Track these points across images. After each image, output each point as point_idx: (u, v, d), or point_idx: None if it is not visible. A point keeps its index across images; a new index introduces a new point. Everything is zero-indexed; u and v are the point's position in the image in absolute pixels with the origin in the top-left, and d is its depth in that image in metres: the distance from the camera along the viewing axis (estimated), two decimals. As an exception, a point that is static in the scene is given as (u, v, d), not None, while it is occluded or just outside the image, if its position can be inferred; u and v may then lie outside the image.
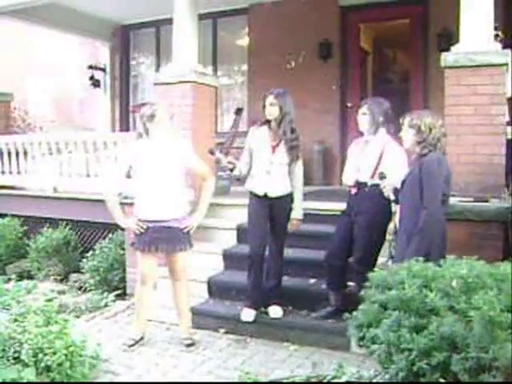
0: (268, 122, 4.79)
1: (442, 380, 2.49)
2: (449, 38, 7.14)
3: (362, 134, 4.71)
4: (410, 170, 4.02)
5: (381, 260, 4.69)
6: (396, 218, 4.10)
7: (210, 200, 4.81)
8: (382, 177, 4.16)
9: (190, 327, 4.86)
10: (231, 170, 4.84)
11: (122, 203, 4.81)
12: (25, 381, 3.52)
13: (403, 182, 3.96)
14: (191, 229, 4.65)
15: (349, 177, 4.66)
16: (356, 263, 4.53)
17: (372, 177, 4.46)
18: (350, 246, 4.59)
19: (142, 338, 4.78)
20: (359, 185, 4.55)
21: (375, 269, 3.46)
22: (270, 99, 4.72)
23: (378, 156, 4.48)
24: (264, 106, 4.77)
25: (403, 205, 3.95)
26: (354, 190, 4.60)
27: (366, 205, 4.47)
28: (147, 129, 4.60)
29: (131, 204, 4.77)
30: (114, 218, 4.71)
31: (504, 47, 4.87)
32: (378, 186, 4.36)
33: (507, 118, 5.04)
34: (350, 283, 4.79)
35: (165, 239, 4.55)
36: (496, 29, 5.14)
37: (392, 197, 4.17)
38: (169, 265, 4.72)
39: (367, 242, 4.47)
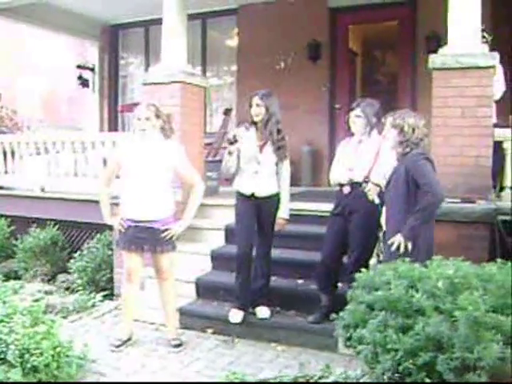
0: (254, 122, 4.80)
1: (427, 380, 2.50)
2: (437, 41, 7.18)
3: (351, 134, 4.72)
4: (392, 170, 4.01)
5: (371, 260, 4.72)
6: (382, 220, 4.11)
7: (196, 207, 4.74)
8: (366, 180, 4.17)
9: (177, 327, 4.86)
10: (230, 153, 4.76)
11: (112, 203, 4.81)
12: (11, 381, 3.49)
13: (388, 183, 3.98)
14: (173, 235, 4.62)
15: (340, 176, 4.63)
16: (352, 263, 4.48)
17: (366, 177, 4.48)
18: (344, 247, 4.59)
19: (129, 339, 4.77)
20: (353, 184, 4.55)
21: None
22: (256, 100, 4.73)
23: (374, 156, 4.49)
24: (250, 107, 4.78)
25: (389, 206, 3.96)
26: (346, 190, 4.58)
27: (360, 204, 4.46)
28: (136, 129, 4.60)
29: (117, 204, 4.77)
30: (102, 216, 4.74)
31: (491, 49, 4.91)
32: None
33: (494, 120, 5.08)
34: (340, 284, 4.80)
35: (147, 239, 4.55)
36: (483, 31, 5.18)
37: (377, 200, 4.21)
38: (154, 265, 4.71)
39: (364, 242, 4.47)
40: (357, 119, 4.60)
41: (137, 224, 4.54)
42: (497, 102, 5.37)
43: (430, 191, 3.67)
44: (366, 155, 4.53)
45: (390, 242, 3.77)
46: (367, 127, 4.57)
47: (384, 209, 4.08)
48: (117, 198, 4.77)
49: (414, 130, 3.87)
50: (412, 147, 3.86)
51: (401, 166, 3.89)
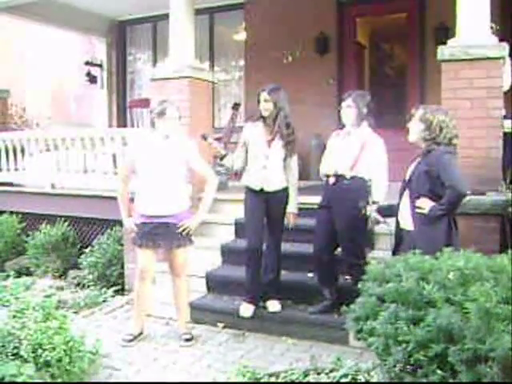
0: (263, 117, 4.80)
1: (438, 371, 2.50)
2: (446, 32, 7.15)
3: (343, 126, 4.76)
4: (413, 167, 3.96)
5: (377, 254, 4.72)
6: (400, 217, 4.01)
7: (211, 201, 4.78)
8: (363, 206, 4.23)
9: (189, 322, 4.88)
10: (221, 158, 4.87)
11: (133, 199, 4.82)
12: (24, 376, 3.52)
13: (409, 180, 3.94)
14: (188, 230, 4.63)
15: (327, 168, 4.68)
16: (345, 255, 4.58)
17: (351, 169, 4.52)
18: (335, 239, 4.62)
19: (140, 334, 4.80)
20: (338, 176, 4.58)
21: (372, 261, 3.47)
22: (264, 95, 4.73)
23: (359, 149, 4.53)
24: (259, 102, 4.78)
25: (410, 203, 3.88)
26: (331, 181, 4.63)
27: (345, 196, 4.50)
28: (154, 123, 4.61)
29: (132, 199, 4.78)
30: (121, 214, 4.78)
31: (500, 40, 4.88)
32: (356, 177, 4.49)
33: (503, 112, 5.05)
34: (347, 277, 4.82)
35: (163, 235, 4.56)
36: (492, 22, 5.14)
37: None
38: (169, 260, 4.73)
39: (352, 233, 4.51)
40: (348, 109, 4.63)
41: (152, 220, 4.55)
42: (506, 93, 5.32)
43: (452, 187, 3.63)
44: (352, 148, 4.55)
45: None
46: (358, 118, 4.59)
47: (403, 204, 3.98)
48: (131, 194, 4.79)
49: (441, 128, 3.77)
50: (439, 145, 3.77)
51: (423, 162, 3.83)
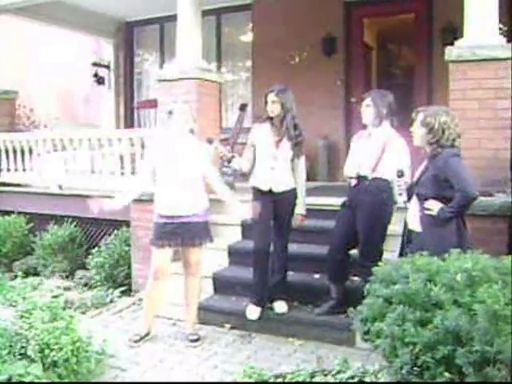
0: (270, 118, 4.80)
1: (446, 373, 2.49)
2: (453, 33, 7.12)
3: (365, 126, 4.71)
4: (422, 168, 3.94)
5: (385, 255, 4.71)
6: (408, 218, 4.01)
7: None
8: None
9: (196, 323, 4.88)
10: (229, 161, 4.89)
11: (141, 200, 4.82)
12: (31, 376, 3.54)
13: (416, 183, 3.92)
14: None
15: (350, 169, 4.65)
16: (362, 257, 4.55)
17: (373, 170, 4.47)
18: (352, 240, 4.60)
19: (147, 334, 4.80)
20: (360, 178, 4.55)
21: (380, 263, 3.46)
22: (272, 96, 4.72)
23: (380, 150, 4.47)
24: (266, 103, 4.78)
25: (419, 206, 3.86)
26: (353, 183, 4.60)
27: (365, 198, 4.47)
28: (165, 125, 4.64)
29: (148, 201, 4.77)
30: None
31: (508, 41, 4.86)
32: (378, 179, 4.42)
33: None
34: (356, 278, 4.80)
35: (184, 234, 4.58)
36: (500, 22, 5.12)
37: (405, 197, 4.07)
38: (184, 259, 4.74)
39: (369, 236, 4.49)
40: (366, 109, 4.59)
41: (175, 220, 4.55)
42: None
43: (462, 191, 3.61)
44: (374, 149, 4.51)
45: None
46: (377, 118, 4.54)
47: (411, 206, 3.97)
48: (143, 195, 4.80)
49: (443, 130, 3.74)
50: (443, 148, 3.75)
51: (430, 166, 3.82)
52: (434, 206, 3.71)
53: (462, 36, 4.98)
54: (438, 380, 2.50)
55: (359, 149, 4.66)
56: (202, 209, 4.66)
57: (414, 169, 4.19)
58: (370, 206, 4.44)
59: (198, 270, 4.78)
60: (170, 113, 4.59)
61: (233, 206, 4.83)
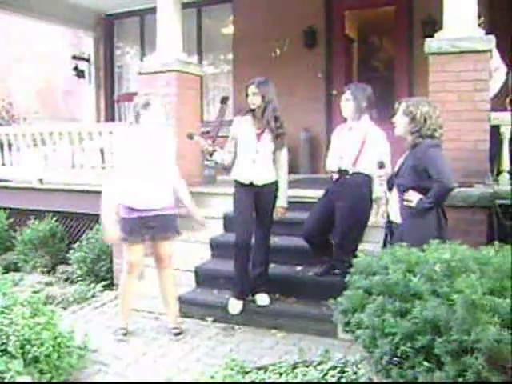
0: (252, 110, 4.79)
1: (425, 363, 2.52)
2: (433, 25, 7.16)
3: (345, 120, 4.74)
4: (402, 159, 3.98)
5: (366, 246, 4.74)
6: (389, 207, 4.04)
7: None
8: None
9: (178, 316, 4.87)
10: (211, 155, 4.89)
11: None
12: (12, 372, 3.51)
13: (397, 172, 3.95)
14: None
15: (332, 163, 4.70)
16: (336, 248, 4.66)
17: (354, 164, 4.52)
18: (325, 227, 4.70)
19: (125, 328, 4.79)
20: (341, 172, 4.60)
21: (360, 254, 3.48)
22: (252, 88, 4.72)
23: (360, 144, 4.53)
24: (247, 96, 4.77)
25: (398, 196, 3.90)
26: (335, 177, 4.66)
27: (346, 192, 4.53)
28: (139, 117, 4.56)
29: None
30: (105, 222, 4.57)
31: (487, 33, 4.89)
32: (359, 174, 4.48)
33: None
34: (336, 271, 4.84)
35: (157, 227, 4.55)
36: (479, 15, 5.15)
37: (385, 187, 4.10)
38: (156, 253, 4.71)
39: (346, 229, 4.56)
40: (346, 102, 4.65)
41: (146, 214, 4.51)
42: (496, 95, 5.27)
43: (439, 181, 3.65)
44: (354, 142, 4.57)
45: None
46: (357, 111, 4.58)
47: (392, 197, 3.99)
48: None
49: (425, 119, 3.78)
50: (424, 138, 3.79)
51: (409, 158, 3.85)
52: (413, 197, 3.74)
53: (441, 28, 5.01)
54: (417, 369, 2.52)
55: (340, 143, 4.70)
56: (171, 201, 4.66)
57: (395, 160, 4.22)
58: (350, 201, 4.50)
59: (170, 262, 4.75)
60: (146, 105, 4.53)
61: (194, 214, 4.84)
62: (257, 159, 4.77)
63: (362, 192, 4.48)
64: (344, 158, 4.58)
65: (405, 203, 3.79)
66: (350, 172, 4.55)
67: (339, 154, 4.64)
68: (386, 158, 4.38)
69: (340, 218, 4.57)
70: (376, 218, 4.51)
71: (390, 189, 4.03)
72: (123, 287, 4.78)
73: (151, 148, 4.53)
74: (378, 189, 4.33)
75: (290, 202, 4.95)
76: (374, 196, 4.49)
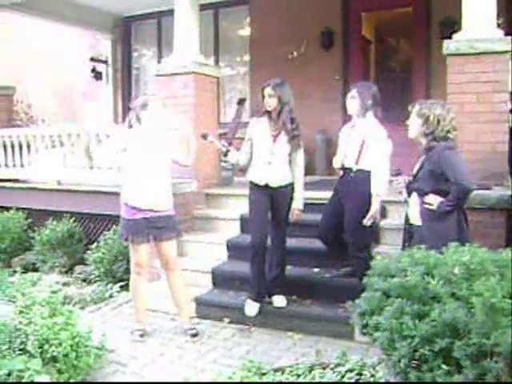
0: (268, 112, 4.80)
1: (443, 366, 2.50)
2: (451, 26, 7.08)
3: (350, 117, 4.85)
4: (419, 163, 3.95)
5: (385, 249, 4.72)
6: (409, 210, 4.01)
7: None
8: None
9: (192, 317, 4.89)
10: (225, 155, 4.90)
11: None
12: (31, 371, 3.54)
13: (415, 176, 3.93)
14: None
15: (337, 161, 4.79)
16: (350, 247, 4.70)
17: (356, 162, 4.60)
18: (337, 223, 4.74)
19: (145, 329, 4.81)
20: (345, 170, 4.69)
21: (378, 257, 3.47)
22: (268, 90, 4.73)
23: (362, 141, 4.60)
24: (263, 97, 4.78)
25: (418, 199, 3.87)
26: (340, 174, 4.78)
27: (350, 189, 4.62)
28: (140, 118, 4.59)
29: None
30: None
31: (506, 34, 4.85)
32: (363, 171, 4.55)
33: (509, 106, 5.02)
34: (347, 268, 4.86)
35: (159, 228, 4.58)
36: (498, 15, 5.11)
37: (404, 194, 4.06)
38: (161, 255, 4.73)
39: (354, 226, 4.59)
40: (352, 100, 4.72)
41: (152, 214, 4.55)
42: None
43: (458, 183, 3.63)
44: (357, 140, 4.64)
45: (426, 199, 3.77)
46: (362, 109, 4.64)
47: (412, 200, 3.96)
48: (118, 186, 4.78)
49: (439, 121, 3.75)
50: (438, 141, 3.76)
51: (426, 162, 3.83)
52: (433, 201, 3.72)
53: (460, 29, 4.97)
54: (436, 372, 2.51)
55: (344, 141, 4.79)
56: (172, 203, 4.72)
57: (413, 163, 4.20)
58: (355, 198, 4.56)
59: (177, 265, 4.77)
60: (145, 105, 4.57)
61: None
62: (272, 161, 4.76)
63: (366, 189, 4.51)
64: (348, 155, 4.67)
65: (425, 206, 3.77)
66: (354, 169, 4.62)
67: (343, 151, 4.75)
68: (383, 157, 4.48)
69: (347, 216, 4.62)
70: (393, 220, 4.50)
71: (409, 194, 4.00)
72: (133, 289, 4.82)
73: (152, 148, 4.56)
74: (377, 185, 4.46)
75: (306, 204, 4.94)
76: (372, 192, 4.50)
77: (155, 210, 4.55)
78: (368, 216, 4.48)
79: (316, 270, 5.21)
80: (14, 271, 6.88)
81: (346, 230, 4.66)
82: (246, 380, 3.67)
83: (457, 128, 3.86)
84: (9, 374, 3.52)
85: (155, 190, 4.54)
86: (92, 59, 11.15)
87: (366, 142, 4.57)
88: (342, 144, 4.81)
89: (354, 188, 4.58)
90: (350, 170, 4.64)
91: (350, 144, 4.68)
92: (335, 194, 4.86)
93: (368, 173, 4.54)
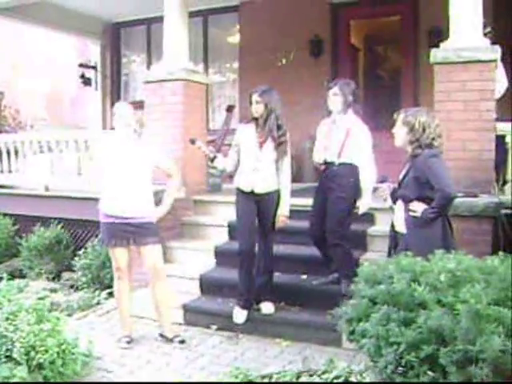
0: (255, 119, 4.81)
1: (429, 372, 2.51)
2: (439, 35, 7.14)
3: (329, 114, 4.94)
4: (404, 170, 3.97)
5: (371, 255, 4.73)
6: (395, 219, 4.02)
7: (174, 195, 4.95)
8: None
9: (179, 323, 4.88)
10: (212, 161, 4.90)
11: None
12: (17, 378, 3.52)
13: (400, 183, 3.95)
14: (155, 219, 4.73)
15: (318, 156, 4.90)
16: (328, 234, 4.77)
17: (339, 156, 4.74)
18: (324, 219, 4.82)
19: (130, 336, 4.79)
20: (327, 164, 4.81)
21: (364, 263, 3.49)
22: (255, 97, 4.75)
23: (344, 135, 4.73)
24: (250, 104, 4.80)
25: (403, 206, 3.88)
26: (322, 168, 4.89)
27: (334, 182, 4.74)
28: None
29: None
30: None
31: (493, 43, 4.90)
32: (345, 164, 4.71)
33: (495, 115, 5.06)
34: (335, 275, 4.88)
35: (136, 233, 4.57)
36: (485, 25, 5.17)
37: (389, 201, 4.09)
38: (147, 263, 4.69)
39: (337, 216, 4.71)
40: (334, 97, 4.83)
41: (123, 221, 4.54)
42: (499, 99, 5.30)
43: (441, 190, 3.65)
44: (338, 135, 4.77)
45: (411, 206, 3.79)
46: (344, 105, 4.78)
47: (397, 207, 3.98)
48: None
49: (424, 129, 3.76)
50: (423, 148, 3.77)
51: (411, 169, 3.85)
52: (418, 208, 3.74)
53: (447, 38, 5.02)
54: (422, 379, 2.52)
55: (324, 135, 4.89)
56: (151, 210, 4.70)
57: (390, 169, 4.26)
58: (338, 190, 4.70)
59: (162, 275, 4.72)
60: (114, 114, 4.63)
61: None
62: (259, 167, 4.77)
63: (349, 181, 4.69)
64: (329, 149, 4.78)
65: (410, 213, 3.79)
66: (336, 163, 4.76)
67: (324, 145, 4.85)
68: (367, 153, 4.68)
69: (331, 206, 4.74)
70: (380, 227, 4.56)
71: (394, 201, 4.02)
72: (116, 294, 4.81)
73: (125, 156, 4.57)
74: (367, 180, 4.62)
75: (294, 211, 4.96)
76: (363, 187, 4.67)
77: (129, 217, 4.54)
78: (362, 207, 4.73)
79: (304, 276, 5.21)
80: (1, 277, 6.80)
81: (328, 219, 4.75)
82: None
83: (442, 135, 3.88)
84: (-6, 381, 3.49)
85: (127, 197, 4.54)
86: (81, 65, 11.14)
87: (348, 136, 4.71)
88: (321, 139, 4.92)
89: (338, 180, 4.72)
90: (333, 163, 4.77)
91: (332, 139, 4.79)
92: (320, 189, 4.95)
93: (350, 165, 4.72)
